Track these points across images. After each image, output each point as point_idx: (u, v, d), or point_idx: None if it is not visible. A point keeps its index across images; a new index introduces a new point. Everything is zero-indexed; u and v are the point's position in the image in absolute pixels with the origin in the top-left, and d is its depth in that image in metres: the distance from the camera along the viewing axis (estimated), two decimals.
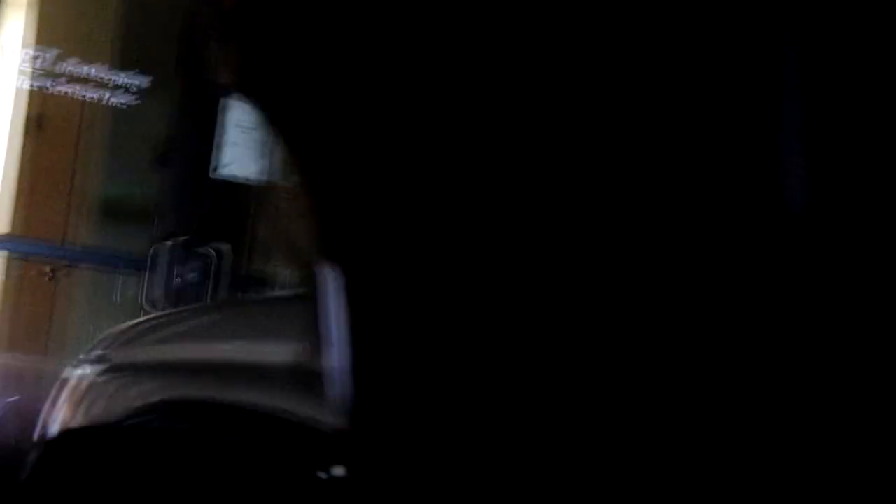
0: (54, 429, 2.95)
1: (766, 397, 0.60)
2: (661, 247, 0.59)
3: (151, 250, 6.09)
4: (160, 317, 4.18)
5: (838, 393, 0.59)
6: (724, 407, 0.59)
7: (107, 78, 6.38)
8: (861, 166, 0.61)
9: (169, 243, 6.10)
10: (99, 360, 3.08)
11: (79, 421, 2.89)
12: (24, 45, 6.45)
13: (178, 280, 6.06)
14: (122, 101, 6.37)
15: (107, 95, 6.38)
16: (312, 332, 0.66)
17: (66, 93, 6.42)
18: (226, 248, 6.05)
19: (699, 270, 0.60)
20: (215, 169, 6.12)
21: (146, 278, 6.05)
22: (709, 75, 0.62)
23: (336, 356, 0.63)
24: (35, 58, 6.30)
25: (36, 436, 3.07)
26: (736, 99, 0.62)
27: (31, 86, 6.49)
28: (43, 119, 7.23)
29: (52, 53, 6.32)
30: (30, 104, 7.25)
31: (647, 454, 0.59)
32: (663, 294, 0.60)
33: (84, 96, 6.46)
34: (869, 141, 0.61)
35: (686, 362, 0.59)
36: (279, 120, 0.64)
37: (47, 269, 7.00)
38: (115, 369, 3.03)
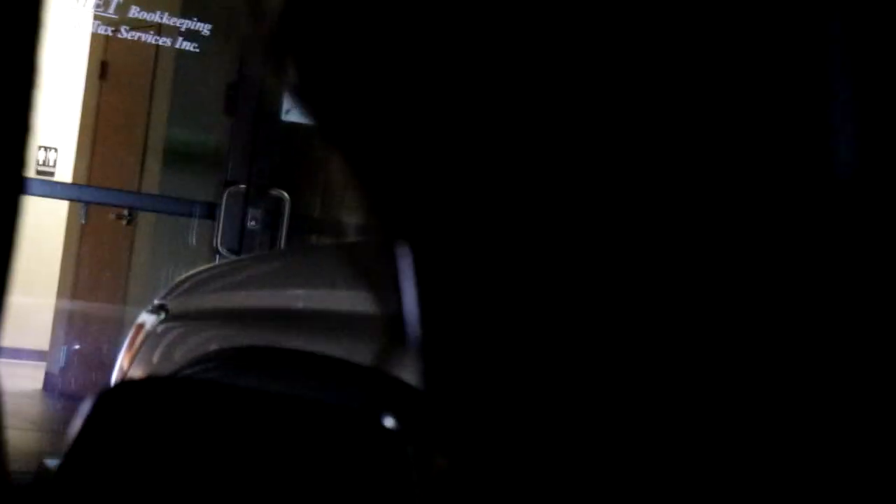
0: (116, 377, 2.97)
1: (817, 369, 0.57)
2: (710, 218, 0.58)
3: (223, 195, 6.11)
4: (224, 265, 4.18)
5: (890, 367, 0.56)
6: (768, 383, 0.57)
7: (175, 23, 6.38)
8: None
9: (241, 188, 6.11)
10: (162, 308, 3.08)
11: (139, 370, 2.90)
12: None
13: (252, 224, 6.08)
14: (192, 46, 6.37)
15: (176, 41, 6.39)
16: (380, 279, 0.64)
17: (135, 39, 6.43)
18: (291, 193, 6.06)
19: (746, 239, 0.58)
20: (286, 112, 6.11)
21: (218, 223, 6.08)
22: (754, 42, 0.59)
23: (407, 305, 0.62)
24: (103, 4, 6.31)
25: (107, 381, 3.09)
26: (784, 64, 0.59)
27: (100, 33, 6.51)
28: (113, 66, 7.28)
29: (119, 0, 6.33)
30: (99, 51, 7.30)
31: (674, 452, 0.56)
32: (711, 264, 0.57)
33: (154, 42, 6.47)
34: None
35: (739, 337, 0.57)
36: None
37: (125, 212, 7.07)
38: (178, 317, 3.03)
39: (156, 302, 3.14)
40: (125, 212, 7.12)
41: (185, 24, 6.36)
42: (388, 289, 0.64)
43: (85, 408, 1.10)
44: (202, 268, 3.48)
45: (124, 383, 1.95)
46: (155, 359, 2.92)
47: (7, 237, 0.64)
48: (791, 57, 0.58)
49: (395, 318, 0.64)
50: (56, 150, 8.05)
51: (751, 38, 0.58)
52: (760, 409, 0.55)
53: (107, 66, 7.34)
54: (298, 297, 3.04)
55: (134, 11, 6.34)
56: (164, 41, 6.41)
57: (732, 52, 0.58)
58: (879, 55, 0.59)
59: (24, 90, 0.61)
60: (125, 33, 6.46)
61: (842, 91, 0.59)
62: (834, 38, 0.59)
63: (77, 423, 1.09)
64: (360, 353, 2.60)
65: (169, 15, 6.38)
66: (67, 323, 7.69)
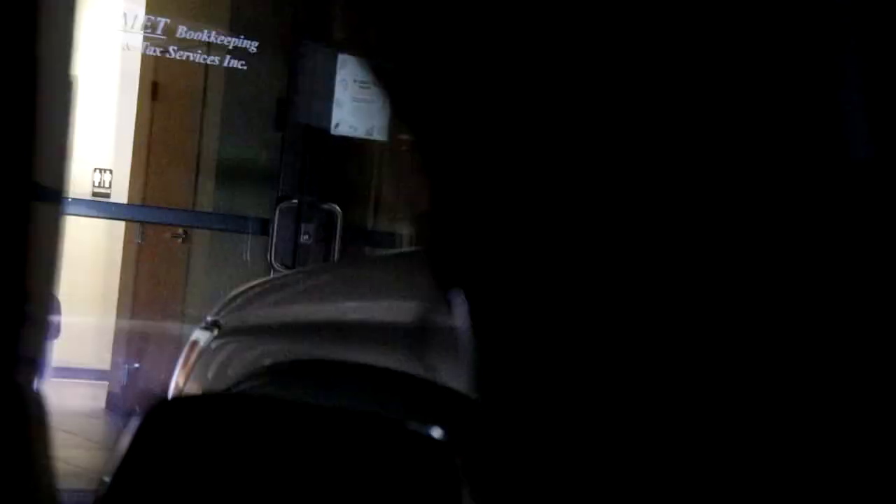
0: (169, 394, 2.99)
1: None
2: (725, 201, 0.58)
3: (276, 211, 6.14)
4: (275, 279, 4.21)
5: None
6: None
7: (223, 41, 6.42)
8: None
9: (293, 203, 6.14)
10: (215, 324, 3.10)
11: (193, 387, 2.92)
12: (142, 13, 6.53)
13: (305, 238, 6.11)
14: (240, 63, 6.41)
15: (224, 59, 6.43)
16: (431, 289, 0.65)
17: (184, 59, 6.48)
18: (343, 206, 6.08)
19: (761, 222, 0.57)
20: (336, 126, 6.14)
21: (272, 238, 6.11)
22: (764, 25, 0.59)
23: (459, 317, 0.63)
24: (152, 25, 6.37)
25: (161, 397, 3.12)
26: (794, 46, 0.59)
27: (151, 52, 6.57)
28: (163, 87, 7.33)
29: (168, 20, 6.38)
30: (150, 72, 7.35)
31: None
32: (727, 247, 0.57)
33: (203, 61, 6.52)
34: None
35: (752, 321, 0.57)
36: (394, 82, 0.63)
37: (180, 230, 7.12)
38: (231, 333, 3.05)
39: (209, 318, 3.17)
40: (180, 230, 7.17)
41: (233, 41, 6.40)
42: (439, 299, 0.64)
43: (133, 425, 1.11)
44: (253, 283, 3.50)
45: (171, 400, 1.97)
46: (209, 375, 2.94)
47: (16, 243, 0.66)
48: (802, 47, 0.58)
49: (446, 328, 0.64)
50: (111, 171, 8.12)
51: (760, 28, 0.58)
52: (762, 407, 0.55)
53: (158, 86, 7.39)
54: (350, 309, 3.05)
55: (182, 31, 6.39)
56: (213, 59, 6.46)
57: (741, 42, 0.58)
58: (890, 45, 0.59)
59: (21, 93, 0.61)
60: (174, 53, 6.51)
61: (854, 81, 0.58)
62: (845, 26, 0.59)
63: (125, 440, 1.10)
64: (411, 364, 2.61)
65: (217, 34, 6.42)
66: (127, 341, 7.75)
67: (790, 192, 0.57)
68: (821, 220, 0.57)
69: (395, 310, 2.79)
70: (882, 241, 0.57)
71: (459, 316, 0.63)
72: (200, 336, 3.10)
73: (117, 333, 7.84)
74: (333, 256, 6.06)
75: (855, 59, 0.59)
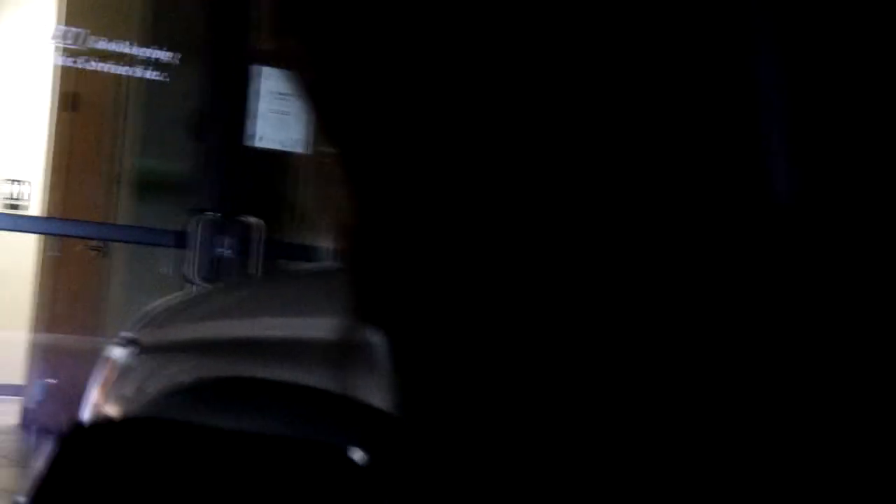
0: (86, 414, 2.94)
1: (757, 397, 0.56)
2: (647, 244, 0.57)
3: (195, 224, 6.08)
4: (193, 294, 4.16)
5: (831, 393, 0.56)
6: (716, 407, 0.56)
7: (139, 54, 6.36)
8: (853, 157, 0.57)
9: (213, 215, 6.09)
10: (132, 341, 3.05)
11: (111, 404, 2.87)
12: (56, 23, 6.44)
13: (220, 252, 6.05)
14: (155, 76, 6.35)
15: (142, 71, 6.36)
16: (351, 306, 0.65)
17: (99, 70, 6.41)
18: (264, 219, 6.04)
19: (685, 266, 0.57)
20: (251, 139, 6.09)
21: (191, 252, 6.05)
22: (691, 67, 0.58)
23: (378, 332, 0.63)
24: (68, 36, 6.29)
25: (78, 419, 3.06)
26: (720, 89, 0.58)
27: (66, 64, 6.49)
28: (78, 97, 7.24)
29: (84, 31, 6.31)
30: (65, 83, 7.26)
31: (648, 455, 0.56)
32: (649, 292, 0.56)
33: (121, 73, 6.45)
34: (861, 130, 0.57)
35: (677, 361, 0.56)
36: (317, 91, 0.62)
37: (97, 244, 7.04)
38: (148, 349, 3.00)
39: (126, 335, 3.11)
40: (97, 243, 7.08)
41: (153, 53, 6.33)
42: (360, 316, 0.63)
43: (49, 450, 1.08)
44: (170, 298, 3.45)
45: (87, 425, 1.93)
46: (126, 393, 2.89)
47: None
48: (727, 81, 0.58)
49: (368, 345, 0.63)
50: (29, 183, 8.01)
51: (687, 63, 0.57)
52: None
53: (75, 97, 7.31)
54: (271, 326, 3.02)
55: (100, 43, 6.31)
56: (133, 71, 6.39)
57: (665, 73, 0.57)
58: (819, 76, 0.58)
59: None
60: (92, 64, 6.43)
61: (777, 114, 0.58)
62: (767, 57, 0.58)
63: (41, 465, 1.07)
64: (332, 381, 2.59)
65: (135, 45, 6.35)
66: (43, 357, 7.64)
67: (708, 227, 0.56)
68: (738, 256, 0.56)
69: (316, 326, 2.77)
70: (799, 279, 0.56)
71: (381, 333, 0.62)
72: (117, 353, 3.05)
73: (33, 349, 7.73)
74: (254, 270, 6.01)
75: (781, 99, 0.59)
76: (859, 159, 0.57)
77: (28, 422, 7.50)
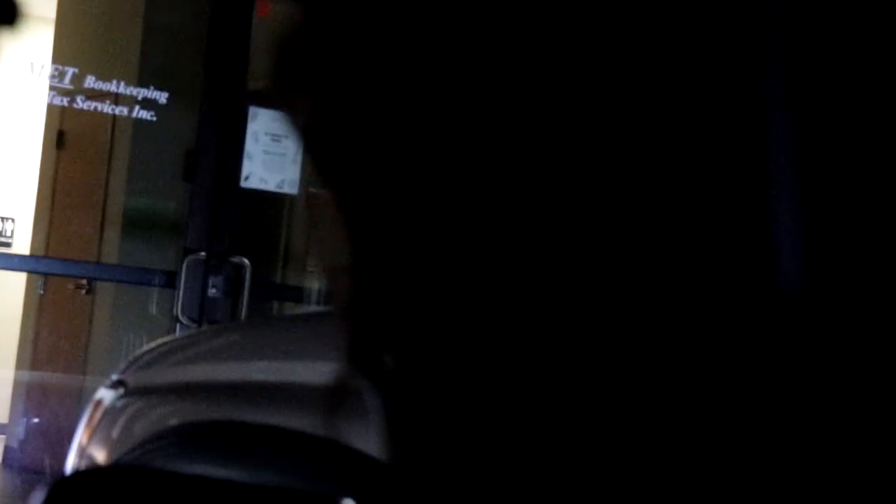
0: (72, 456, 2.91)
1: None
2: (649, 328, 0.57)
3: (183, 263, 6.06)
4: (182, 337, 4.13)
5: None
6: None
7: (131, 93, 6.35)
8: (863, 245, 0.57)
9: (201, 255, 6.07)
10: (121, 383, 3.03)
11: (98, 446, 2.85)
12: (49, 62, 6.44)
13: (213, 292, 6.03)
14: (148, 115, 6.35)
15: (132, 110, 6.36)
16: (343, 350, 0.64)
17: (92, 109, 6.40)
18: (253, 260, 6.02)
19: (688, 352, 0.56)
20: (246, 179, 6.09)
21: (179, 292, 6.02)
22: (693, 142, 0.57)
23: (370, 378, 0.62)
24: (60, 74, 6.28)
25: (67, 460, 3.04)
26: (724, 171, 0.58)
27: (57, 102, 6.48)
28: (70, 136, 7.24)
29: (76, 70, 6.30)
30: (56, 121, 7.26)
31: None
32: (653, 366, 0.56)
33: (110, 112, 6.44)
34: (870, 217, 0.57)
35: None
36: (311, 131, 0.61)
37: (84, 282, 7.01)
38: (137, 392, 2.98)
39: (114, 377, 3.09)
40: (84, 282, 7.05)
41: (142, 92, 6.33)
42: (352, 360, 0.62)
43: (36, 499, 1.06)
44: (160, 341, 3.43)
45: (74, 475, 1.91)
46: (114, 435, 2.87)
47: None
48: (734, 160, 0.57)
49: (359, 391, 0.62)
50: (13, 220, 7.99)
51: (689, 136, 0.56)
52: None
53: (64, 135, 7.30)
54: (260, 370, 3.00)
55: (90, 81, 6.31)
56: (121, 110, 6.38)
57: (671, 153, 0.56)
58: (830, 157, 0.57)
59: None
60: (81, 103, 6.42)
61: (788, 204, 0.57)
62: (781, 139, 0.58)
63: None
64: (322, 426, 2.57)
65: (125, 84, 6.35)
66: (27, 395, 7.60)
67: (715, 315, 0.56)
68: (745, 346, 0.56)
69: (306, 371, 2.75)
70: (805, 372, 0.56)
71: (372, 379, 0.61)
72: (105, 395, 3.03)
73: (16, 387, 7.68)
74: (242, 311, 5.99)
75: (793, 188, 0.59)
76: (874, 249, 0.57)
77: (10, 461, 7.44)
